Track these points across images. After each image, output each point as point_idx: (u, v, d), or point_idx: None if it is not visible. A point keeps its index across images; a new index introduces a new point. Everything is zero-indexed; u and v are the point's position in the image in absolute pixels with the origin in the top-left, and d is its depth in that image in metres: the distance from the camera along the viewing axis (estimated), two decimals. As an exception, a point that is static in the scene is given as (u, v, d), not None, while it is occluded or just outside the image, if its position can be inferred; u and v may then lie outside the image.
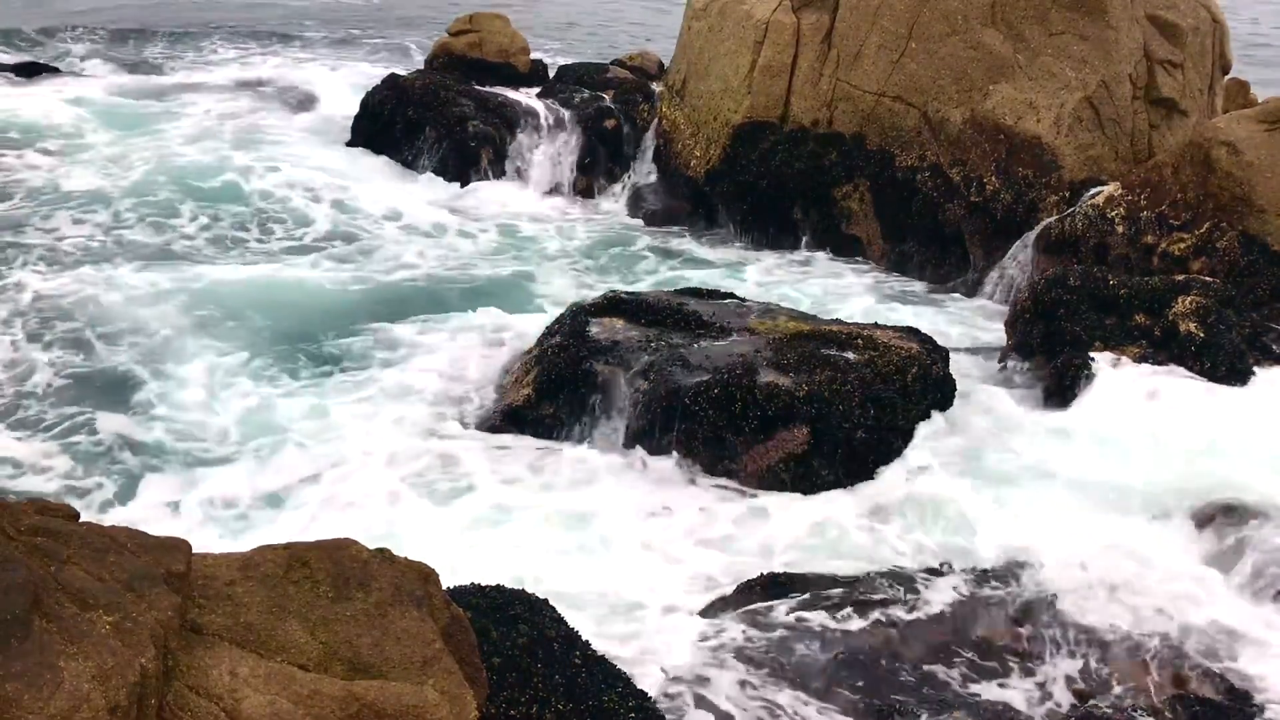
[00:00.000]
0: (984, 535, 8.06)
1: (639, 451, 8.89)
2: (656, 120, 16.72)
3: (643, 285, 12.97)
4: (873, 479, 8.76)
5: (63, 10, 25.51)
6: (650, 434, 8.90)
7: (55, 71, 20.38)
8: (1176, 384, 9.74)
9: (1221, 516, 8.21)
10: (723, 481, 8.67)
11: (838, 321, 10.12)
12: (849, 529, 8.19)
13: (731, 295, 10.87)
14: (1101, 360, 9.99)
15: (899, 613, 7.18)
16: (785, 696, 6.51)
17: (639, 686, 5.87)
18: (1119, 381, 9.81)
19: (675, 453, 8.81)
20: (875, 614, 7.17)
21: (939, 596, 7.36)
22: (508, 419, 9.51)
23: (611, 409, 9.10)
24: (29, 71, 20.02)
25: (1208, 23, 14.73)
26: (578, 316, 10.01)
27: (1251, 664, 6.88)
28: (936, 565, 7.72)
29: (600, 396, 9.20)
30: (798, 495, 8.56)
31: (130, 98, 18.73)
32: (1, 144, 16.23)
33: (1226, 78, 15.53)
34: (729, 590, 7.49)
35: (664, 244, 14.65)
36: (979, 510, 8.33)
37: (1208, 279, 10.99)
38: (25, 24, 23.85)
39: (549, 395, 9.41)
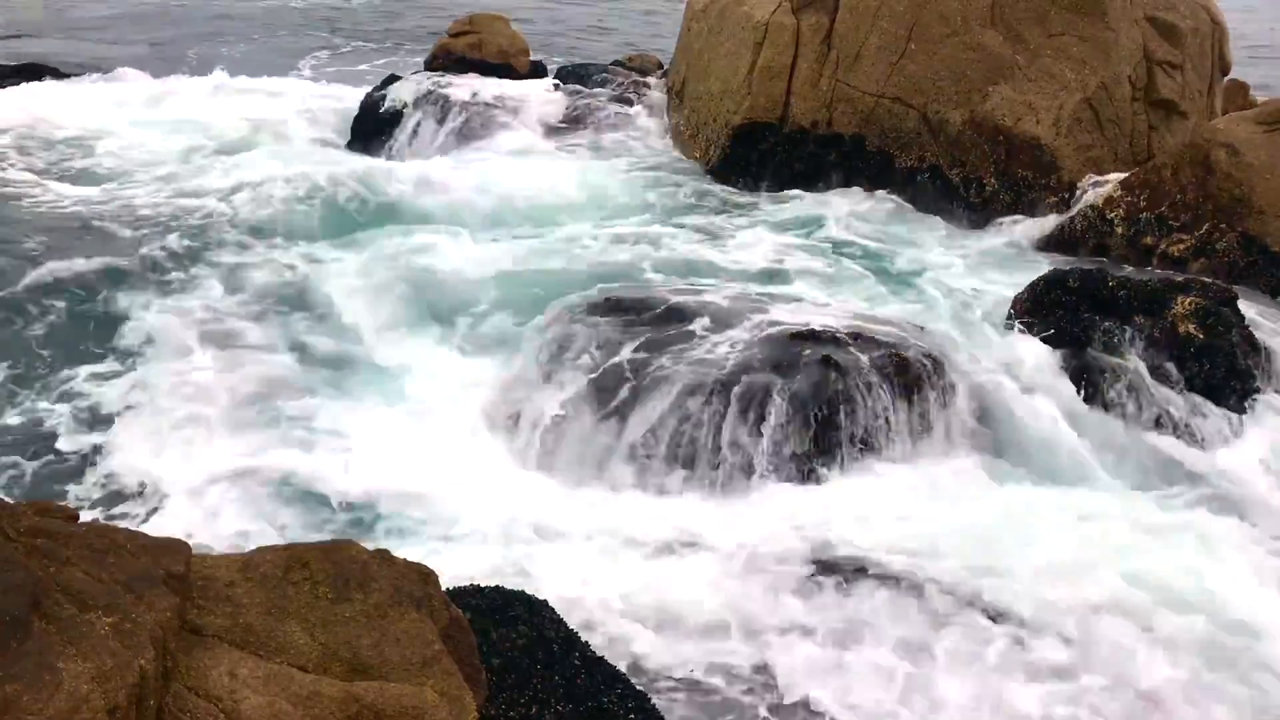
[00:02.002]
0: (982, 535, 8.06)
1: (635, 450, 8.89)
2: (656, 121, 16.73)
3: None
4: (869, 479, 8.75)
5: (78, 22, 25.66)
6: (646, 433, 8.89)
7: (86, 76, 20.34)
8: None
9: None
10: (718, 480, 8.66)
11: (834, 319, 10.10)
12: (846, 529, 8.19)
13: (729, 288, 10.81)
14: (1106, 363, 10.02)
15: (894, 619, 7.23)
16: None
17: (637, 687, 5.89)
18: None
19: (669, 453, 8.80)
20: (870, 614, 7.21)
21: (934, 601, 7.39)
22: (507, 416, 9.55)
23: (606, 408, 9.09)
24: (47, 76, 20.06)
25: (1207, 24, 14.74)
26: (572, 315, 10.01)
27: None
28: (936, 566, 7.72)
29: (595, 395, 9.18)
30: (798, 493, 8.56)
31: (169, 102, 18.73)
32: (58, 145, 16.10)
33: (1226, 79, 15.55)
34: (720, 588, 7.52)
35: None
36: (976, 511, 8.33)
37: (1207, 279, 10.99)
38: (44, 32, 23.94)
39: (545, 393, 9.41)
